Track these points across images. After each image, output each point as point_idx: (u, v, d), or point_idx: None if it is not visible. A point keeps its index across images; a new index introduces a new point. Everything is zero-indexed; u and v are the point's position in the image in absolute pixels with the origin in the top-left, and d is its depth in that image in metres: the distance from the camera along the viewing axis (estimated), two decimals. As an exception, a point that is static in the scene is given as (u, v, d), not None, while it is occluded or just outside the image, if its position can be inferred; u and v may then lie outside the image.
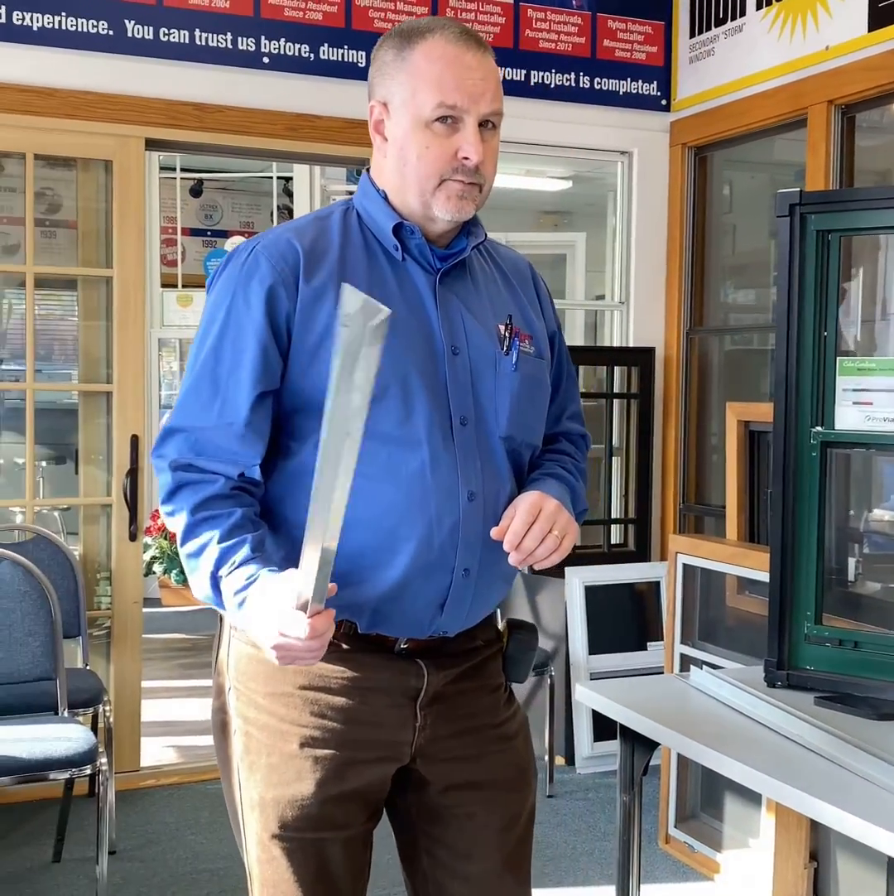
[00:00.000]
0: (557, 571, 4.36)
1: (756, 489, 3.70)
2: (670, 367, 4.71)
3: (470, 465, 1.61)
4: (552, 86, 4.46)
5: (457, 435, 1.60)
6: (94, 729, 3.50)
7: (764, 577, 3.26)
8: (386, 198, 1.65)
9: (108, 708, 3.55)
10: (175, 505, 1.57)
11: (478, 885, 1.71)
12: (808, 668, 2.19)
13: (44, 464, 6.06)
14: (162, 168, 7.43)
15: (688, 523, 4.72)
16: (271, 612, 1.41)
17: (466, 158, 1.57)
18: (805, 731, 1.92)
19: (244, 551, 1.50)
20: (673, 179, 4.66)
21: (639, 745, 2.12)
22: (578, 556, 4.53)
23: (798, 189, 2.17)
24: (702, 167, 4.64)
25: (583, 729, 4.26)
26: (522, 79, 4.40)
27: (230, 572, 1.49)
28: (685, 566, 3.55)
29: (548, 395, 1.76)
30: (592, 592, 4.34)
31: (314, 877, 1.62)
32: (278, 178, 7.64)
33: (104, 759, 3.01)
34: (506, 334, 1.67)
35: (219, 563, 1.51)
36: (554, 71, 4.45)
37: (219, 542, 1.51)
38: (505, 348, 1.66)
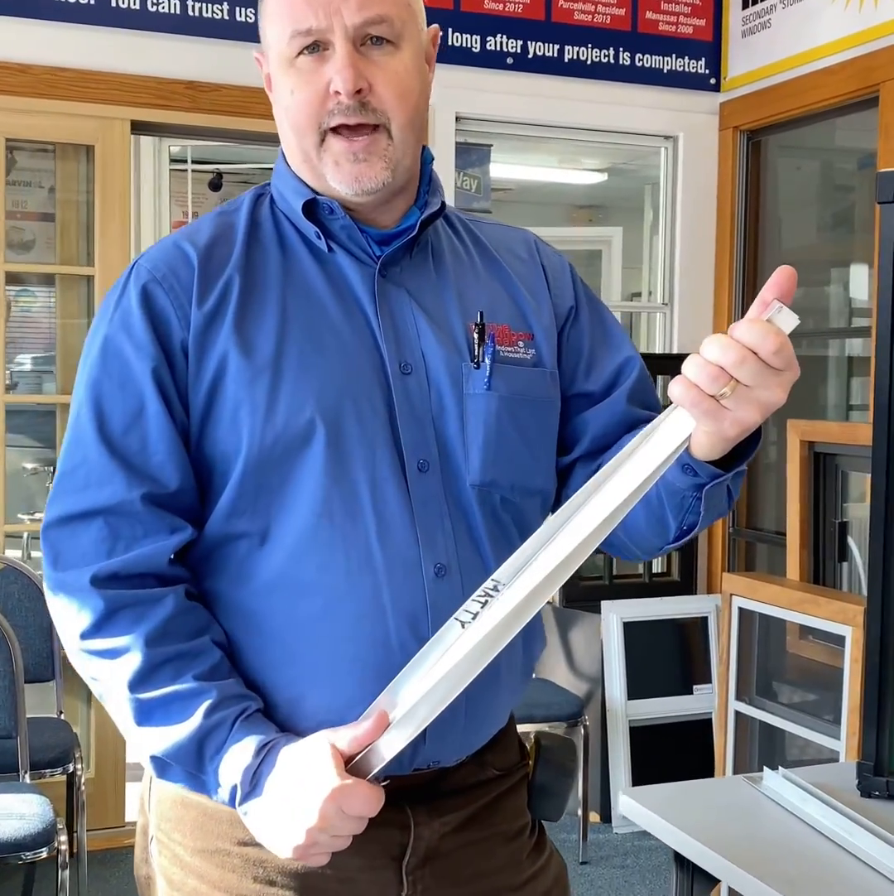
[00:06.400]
0: (593, 606, 3.91)
1: (821, 519, 3.26)
2: (719, 376, 4.26)
3: (435, 527, 1.17)
4: (588, 63, 4.06)
5: (413, 486, 1.17)
6: (70, 786, 3.11)
7: (835, 627, 2.81)
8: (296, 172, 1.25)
9: (79, 766, 3.13)
10: (112, 637, 1.15)
11: None
12: (915, 775, 1.74)
13: (31, 469, 5.61)
14: (173, 160, 7.08)
15: (739, 550, 4.26)
16: (310, 786, 1.06)
17: (337, 91, 1.16)
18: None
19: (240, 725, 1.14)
20: (722, 167, 4.25)
21: (698, 877, 1.68)
22: (616, 588, 4.09)
23: (903, 167, 1.73)
24: (756, 153, 4.24)
25: (620, 782, 3.82)
26: (555, 55, 3.99)
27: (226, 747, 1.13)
28: (741, 610, 3.09)
29: (553, 414, 1.28)
30: (632, 629, 3.90)
31: None
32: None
33: (64, 838, 2.62)
34: (477, 338, 1.22)
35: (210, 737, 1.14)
36: (590, 46, 4.05)
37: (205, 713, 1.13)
38: (475, 360, 1.22)
